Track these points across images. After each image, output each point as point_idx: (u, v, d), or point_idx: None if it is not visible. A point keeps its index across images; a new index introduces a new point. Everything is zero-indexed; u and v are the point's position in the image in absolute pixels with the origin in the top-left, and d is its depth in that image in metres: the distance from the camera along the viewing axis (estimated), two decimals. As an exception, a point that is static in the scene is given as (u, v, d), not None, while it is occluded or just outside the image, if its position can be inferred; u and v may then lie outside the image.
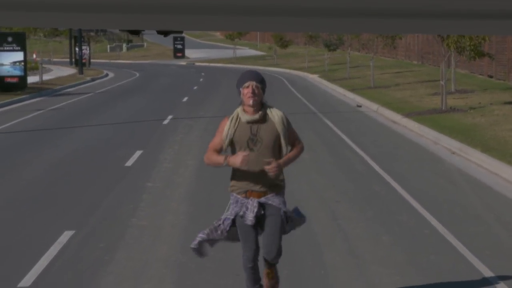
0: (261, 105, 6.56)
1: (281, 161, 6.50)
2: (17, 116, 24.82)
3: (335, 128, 20.42)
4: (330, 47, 47.38)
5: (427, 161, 15.40)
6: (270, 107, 6.63)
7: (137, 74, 55.29)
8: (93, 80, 48.23)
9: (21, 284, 7.57)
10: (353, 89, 33.02)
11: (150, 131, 20.00)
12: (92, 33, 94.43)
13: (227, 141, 6.48)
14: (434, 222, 10.01)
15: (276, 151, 6.55)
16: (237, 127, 6.50)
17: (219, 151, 6.53)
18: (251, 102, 6.44)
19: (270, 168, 6.36)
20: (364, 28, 2.35)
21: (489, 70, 34.33)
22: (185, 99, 31.40)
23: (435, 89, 28.29)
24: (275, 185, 6.56)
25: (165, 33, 2.83)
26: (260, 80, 6.54)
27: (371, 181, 12.99)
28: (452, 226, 9.72)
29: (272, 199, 6.51)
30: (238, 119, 6.52)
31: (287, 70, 56.10)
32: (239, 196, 6.52)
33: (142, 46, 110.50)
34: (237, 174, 6.51)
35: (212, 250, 6.99)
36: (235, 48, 75.46)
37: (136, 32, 2.82)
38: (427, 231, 9.63)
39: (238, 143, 6.49)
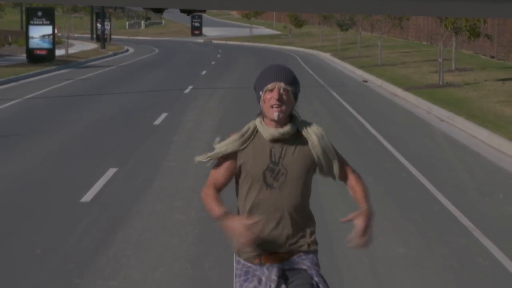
0: (289, 118, 4.28)
1: (366, 206, 4.30)
2: (49, 85, 27.01)
3: (340, 99, 22.57)
4: (342, 27, 49.49)
5: (417, 126, 17.54)
6: (304, 121, 4.33)
7: (156, 50, 57.47)
8: (114, 54, 50.46)
9: (82, 200, 9.82)
10: (361, 67, 35.09)
11: (173, 98, 22.20)
12: (111, 10, 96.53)
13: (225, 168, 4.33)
14: (412, 169, 12.14)
15: (306, 189, 4.31)
16: (249, 147, 4.26)
17: (222, 185, 4.32)
18: (275, 115, 4.18)
19: (358, 234, 4.21)
20: (367, 9, 2.21)
21: (491, 51, 36.29)
22: (203, 72, 33.59)
23: (438, 68, 30.32)
24: (305, 241, 4.35)
25: (188, 12, 2.68)
26: (291, 80, 4.24)
27: (366, 140, 15.13)
28: (426, 172, 11.84)
29: (299, 262, 4.30)
30: (254, 135, 4.29)
31: (301, 49, 58.21)
32: (248, 264, 4.31)
33: (160, 23, 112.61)
34: (250, 215, 4.28)
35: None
36: (251, 27, 77.45)
37: (160, 10, 2.71)
38: (404, 175, 11.78)
39: (249, 175, 4.23)
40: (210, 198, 4.27)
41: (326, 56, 48.18)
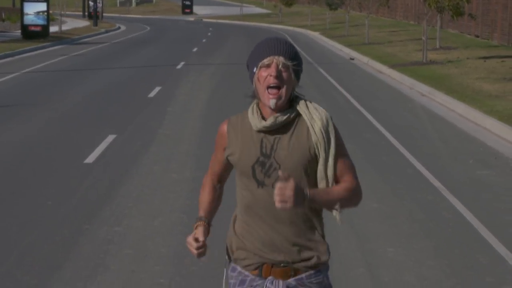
0: (288, 102, 3.55)
1: (314, 190, 3.47)
2: (45, 60, 27.76)
3: (327, 75, 23.44)
4: (331, 6, 50.21)
5: (399, 100, 18.43)
6: (307, 104, 3.57)
7: (148, 28, 58.16)
8: (107, 32, 51.13)
9: (86, 161, 10.69)
10: (349, 45, 35.92)
11: (166, 73, 23.02)
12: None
13: (224, 166, 3.74)
14: (391, 138, 13.03)
15: (308, 184, 3.53)
16: (237, 134, 3.60)
17: (220, 177, 3.78)
18: (271, 103, 3.48)
19: (279, 190, 3.34)
20: None
21: (476, 30, 37.16)
22: (195, 49, 34.37)
23: (422, 46, 31.17)
24: (312, 253, 3.59)
25: None
26: (292, 55, 3.51)
27: (349, 112, 16.02)
28: (404, 141, 12.73)
29: (307, 285, 3.59)
30: (246, 124, 3.60)
31: (291, 28, 58.98)
32: (246, 273, 3.62)
33: (151, 1, 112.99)
34: (243, 223, 3.64)
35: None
36: (242, 6, 78.09)
37: None
38: (383, 143, 12.67)
39: (238, 170, 3.61)
40: (202, 191, 3.81)
41: (315, 35, 48.99)
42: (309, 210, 3.54)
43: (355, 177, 3.57)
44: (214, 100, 17.14)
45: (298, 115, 3.52)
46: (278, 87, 3.45)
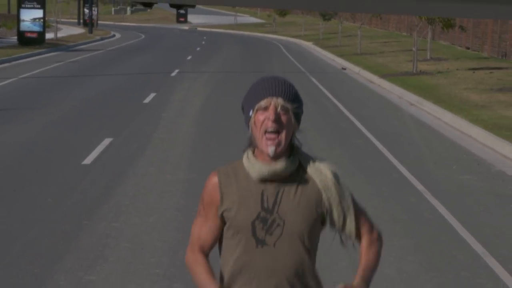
0: (289, 149, 3.18)
1: (363, 278, 3.31)
2: (41, 66, 28.19)
3: (318, 84, 23.92)
4: (325, 17, 50.80)
5: (388, 109, 18.91)
6: (309, 155, 3.24)
7: (143, 36, 58.66)
8: (102, 39, 51.62)
9: (84, 162, 11.12)
10: (341, 55, 36.44)
11: (161, 80, 23.46)
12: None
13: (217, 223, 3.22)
14: (378, 144, 13.49)
15: (311, 247, 3.21)
16: (233, 187, 3.18)
17: (211, 247, 3.27)
18: (270, 150, 3.10)
19: None
20: (349, 7, 2.21)
21: (466, 42, 37.74)
22: (189, 57, 34.85)
23: (413, 57, 31.73)
24: None
25: (178, 7, 2.57)
26: (293, 96, 3.16)
27: (339, 120, 16.48)
28: (391, 147, 13.18)
29: None
30: (240, 174, 3.19)
31: (285, 38, 59.58)
32: None
33: (145, 10, 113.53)
34: (232, 283, 3.22)
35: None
36: (236, 15, 78.68)
37: (149, 4, 2.65)
38: (371, 149, 13.13)
39: (233, 227, 3.18)
40: (200, 266, 3.21)
41: (308, 45, 49.55)
42: (311, 276, 3.21)
43: (372, 224, 3.32)
44: (208, 106, 17.59)
45: (301, 168, 3.15)
46: (277, 132, 3.05)
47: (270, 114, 3.07)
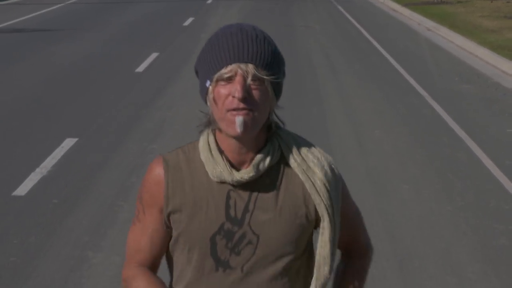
0: (265, 133, 2.13)
1: None
2: (40, 9, 30.06)
3: (344, 12, 25.59)
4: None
5: (406, 33, 20.61)
6: (294, 137, 2.18)
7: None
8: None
9: (137, 70, 13.06)
10: (368, -14, 37.86)
11: (198, 7, 25.25)
12: None
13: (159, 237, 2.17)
14: (392, 61, 15.28)
15: (298, 269, 2.18)
16: (185, 184, 2.12)
17: (153, 262, 2.21)
18: (237, 125, 2.01)
19: None
20: None
21: (490, -26, 38.92)
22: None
23: (437, -12, 33.20)
24: None
25: None
26: (269, 59, 2.03)
27: (360, 41, 18.25)
28: (402, 63, 14.97)
29: None
30: (196, 166, 2.13)
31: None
32: None
33: None
34: None
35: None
36: None
37: None
38: (385, 64, 14.94)
39: (184, 241, 2.12)
40: (140, 280, 2.16)
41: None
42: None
43: (367, 241, 2.35)
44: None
45: (284, 158, 2.13)
46: (246, 110, 2.00)
47: (237, 88, 1.97)
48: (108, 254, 5.67)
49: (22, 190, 6.98)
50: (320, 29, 19.97)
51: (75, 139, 8.68)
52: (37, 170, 7.54)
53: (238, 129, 2.00)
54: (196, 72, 2.13)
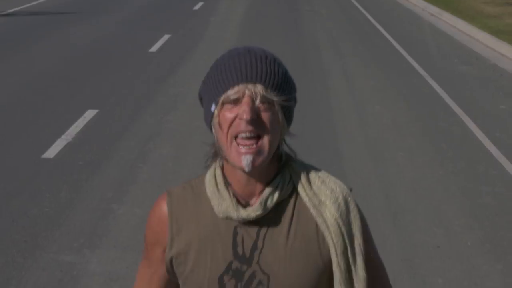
0: (276, 161, 1.94)
1: None
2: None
3: (352, 0, 26.23)
4: None
5: (410, 18, 21.21)
6: (306, 167, 1.99)
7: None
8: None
9: (151, 50, 13.71)
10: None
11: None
12: None
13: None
14: (394, 43, 15.89)
15: None
16: (193, 229, 1.96)
17: None
18: (244, 162, 1.84)
19: None
20: None
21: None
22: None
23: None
24: None
25: None
26: (279, 80, 1.87)
27: (365, 26, 18.86)
28: (404, 45, 15.58)
29: None
30: (203, 201, 1.97)
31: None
32: None
33: None
34: None
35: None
36: None
37: None
38: (388, 47, 15.55)
39: (192, 284, 1.95)
40: None
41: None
42: None
43: (382, 268, 2.08)
44: (250, 13, 20.03)
45: (296, 191, 1.95)
46: (255, 138, 1.85)
47: (244, 110, 1.82)
48: (131, 207, 6.32)
49: (50, 153, 7.65)
50: (326, 13, 20.59)
51: (96, 111, 9.34)
52: (63, 137, 8.21)
53: (245, 168, 1.84)
54: (201, 100, 1.95)
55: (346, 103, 10.42)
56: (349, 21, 19.47)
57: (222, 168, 1.95)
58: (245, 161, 1.83)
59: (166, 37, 15.27)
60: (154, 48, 13.92)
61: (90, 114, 9.18)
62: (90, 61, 12.64)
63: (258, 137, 1.84)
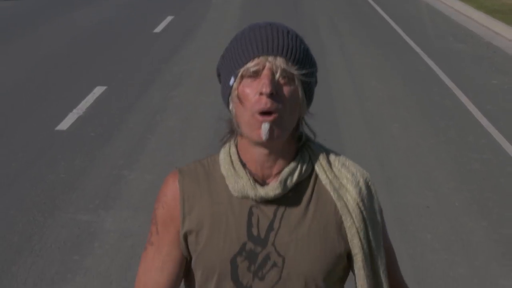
0: (295, 142, 1.90)
1: None
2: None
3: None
4: None
5: (410, 1, 21.61)
6: (325, 155, 1.92)
7: None
8: None
9: (155, 30, 14.13)
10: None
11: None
12: None
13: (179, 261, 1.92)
14: (392, 23, 16.28)
15: None
16: (207, 207, 1.88)
17: None
18: (263, 132, 1.78)
19: None
20: None
21: None
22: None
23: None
24: None
25: None
26: (301, 55, 1.84)
27: (363, 6, 19.25)
28: (402, 25, 15.97)
29: None
30: (216, 180, 1.91)
31: None
32: None
33: None
34: None
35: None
36: None
37: None
38: (386, 26, 15.95)
39: (201, 263, 1.89)
40: None
41: None
42: None
43: (402, 279, 2.07)
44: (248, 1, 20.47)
45: (314, 173, 1.90)
46: (275, 112, 1.78)
47: (264, 83, 1.76)
48: (141, 173, 6.77)
49: (63, 125, 8.09)
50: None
51: (104, 87, 9.77)
52: (74, 111, 8.65)
53: (263, 136, 1.77)
54: (219, 76, 1.87)
55: (344, 79, 10.84)
56: (347, 2, 19.86)
57: (237, 148, 1.89)
58: (264, 129, 1.77)
59: (169, 18, 15.68)
60: (158, 29, 14.33)
61: (99, 90, 9.61)
62: (96, 42, 13.06)
63: (277, 112, 1.78)
